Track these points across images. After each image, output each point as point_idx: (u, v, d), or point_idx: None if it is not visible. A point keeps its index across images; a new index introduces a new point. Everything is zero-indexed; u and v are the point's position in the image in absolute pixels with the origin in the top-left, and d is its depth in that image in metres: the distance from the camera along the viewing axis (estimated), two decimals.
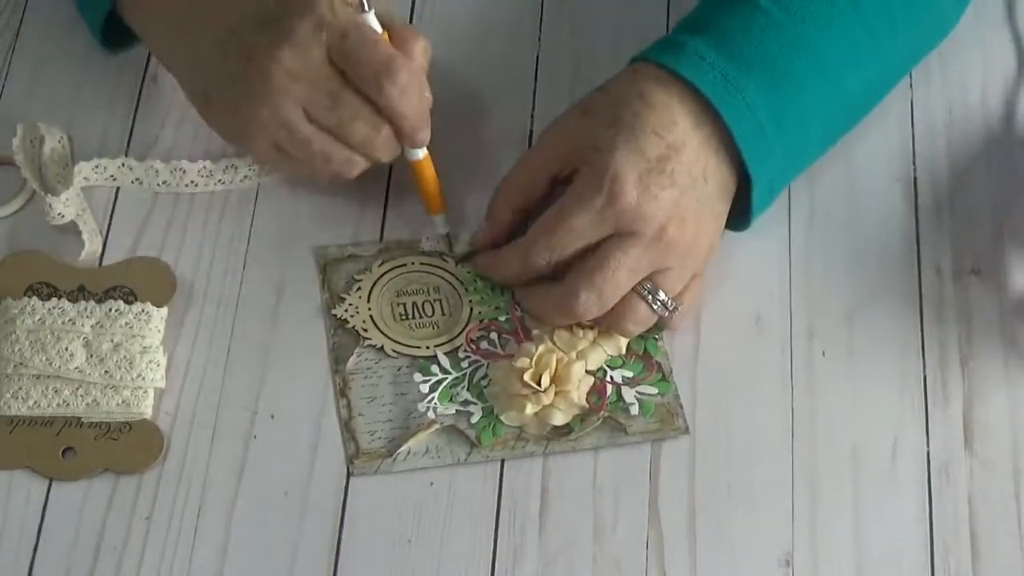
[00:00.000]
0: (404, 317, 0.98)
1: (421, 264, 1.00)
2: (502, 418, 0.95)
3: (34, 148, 1.02)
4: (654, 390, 0.96)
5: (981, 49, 1.10)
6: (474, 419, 0.95)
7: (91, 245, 0.99)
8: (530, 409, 0.94)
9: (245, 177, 1.03)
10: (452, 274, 1.00)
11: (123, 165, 1.02)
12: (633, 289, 0.95)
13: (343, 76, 0.94)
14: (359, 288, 0.99)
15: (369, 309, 0.98)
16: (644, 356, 0.97)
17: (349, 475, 0.93)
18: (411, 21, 1.10)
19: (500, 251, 0.98)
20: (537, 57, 1.09)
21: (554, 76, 1.08)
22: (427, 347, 0.97)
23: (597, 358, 0.96)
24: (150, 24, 1.01)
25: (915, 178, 1.05)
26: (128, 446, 0.93)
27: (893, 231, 1.03)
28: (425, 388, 0.96)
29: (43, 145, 1.01)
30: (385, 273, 1.00)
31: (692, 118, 0.95)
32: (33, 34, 1.09)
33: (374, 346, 0.97)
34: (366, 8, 0.94)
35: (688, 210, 0.94)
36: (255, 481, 0.93)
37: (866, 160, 1.05)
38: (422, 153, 0.98)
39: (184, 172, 1.02)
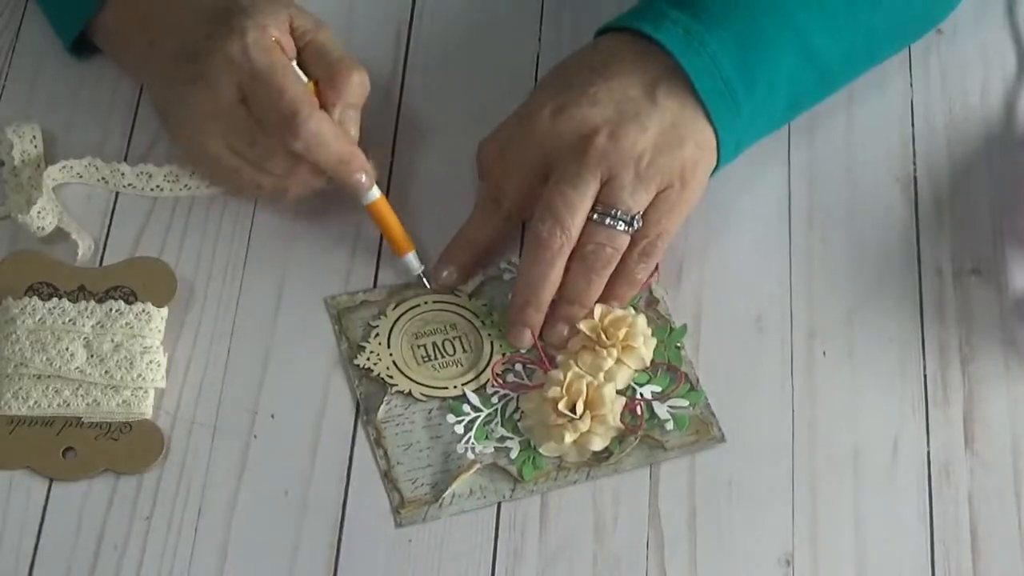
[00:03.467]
0: (427, 359, 0.97)
1: (434, 302, 0.99)
2: (541, 450, 0.94)
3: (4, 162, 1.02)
4: (685, 402, 0.95)
5: (981, 49, 1.10)
6: (513, 454, 0.94)
7: (83, 243, 0.99)
8: (568, 438, 0.93)
9: (212, 183, 1.03)
10: (467, 309, 0.99)
11: (89, 164, 1.02)
12: (588, 220, 0.95)
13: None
14: (377, 334, 0.97)
15: (391, 355, 0.97)
16: (670, 368, 0.96)
17: (397, 525, 0.92)
18: (410, 22, 1.10)
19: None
20: (537, 57, 1.09)
21: None
22: (455, 386, 0.96)
23: (624, 376, 0.95)
24: (121, 49, 1.03)
25: (915, 178, 1.05)
26: (128, 446, 0.93)
27: (893, 231, 1.03)
28: (460, 428, 0.95)
29: (12, 151, 1.01)
30: (401, 316, 0.98)
31: (652, 74, 0.96)
32: (33, 34, 1.09)
33: (402, 392, 0.96)
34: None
35: (623, 122, 0.94)
36: (255, 481, 0.93)
37: (866, 160, 1.05)
38: (373, 195, 0.98)
39: (150, 176, 1.02)
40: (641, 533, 0.92)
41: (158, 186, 1.02)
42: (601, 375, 0.95)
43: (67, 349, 0.94)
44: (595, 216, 0.95)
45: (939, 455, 0.95)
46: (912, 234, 1.02)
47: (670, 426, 0.94)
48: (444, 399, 0.96)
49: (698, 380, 0.96)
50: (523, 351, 0.97)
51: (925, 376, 0.98)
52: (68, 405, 0.94)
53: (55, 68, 1.07)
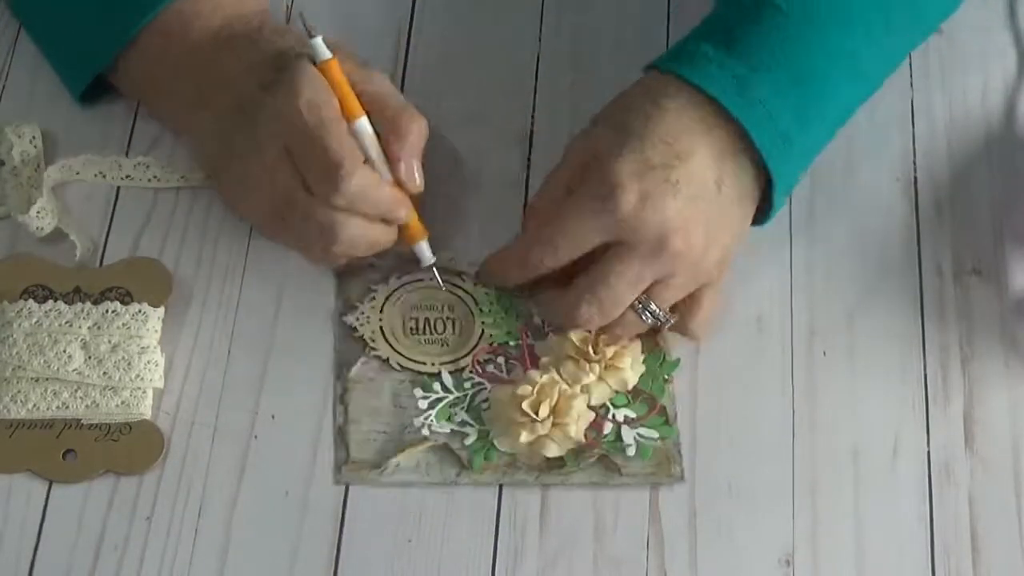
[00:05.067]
0: (415, 332, 0.97)
1: (440, 281, 0.99)
2: (496, 443, 0.94)
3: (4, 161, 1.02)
4: (655, 434, 0.94)
5: (981, 49, 1.10)
6: (468, 441, 0.94)
7: (82, 243, 0.99)
8: (524, 437, 0.93)
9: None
10: (469, 294, 0.99)
11: (86, 161, 1.02)
12: None
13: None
14: (373, 298, 0.98)
15: (380, 320, 0.97)
16: (650, 398, 0.96)
17: (336, 482, 0.92)
18: (411, 23, 1.10)
19: (504, 250, 0.98)
20: (537, 57, 1.09)
21: (554, 76, 1.08)
22: (433, 364, 0.96)
23: (601, 394, 0.95)
24: (153, 98, 1.02)
25: (915, 178, 1.05)
26: (128, 447, 0.93)
27: (893, 231, 1.03)
28: (424, 404, 0.95)
29: (12, 151, 1.01)
30: (403, 286, 0.99)
31: (705, 124, 0.94)
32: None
33: (380, 357, 0.96)
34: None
35: (695, 221, 0.92)
36: (255, 481, 0.93)
37: (866, 160, 1.05)
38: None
39: (148, 167, 1.02)
40: (641, 533, 0.92)
41: (155, 176, 1.02)
42: (578, 387, 0.94)
43: (64, 351, 0.94)
44: (636, 306, 0.95)
45: (939, 455, 0.95)
46: (912, 234, 1.02)
47: (632, 452, 0.94)
48: (419, 373, 0.96)
49: (676, 417, 0.95)
50: (511, 344, 0.97)
51: (925, 376, 0.98)
52: (67, 407, 0.94)
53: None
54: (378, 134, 0.94)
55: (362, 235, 0.95)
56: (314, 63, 0.94)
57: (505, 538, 0.92)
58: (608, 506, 0.93)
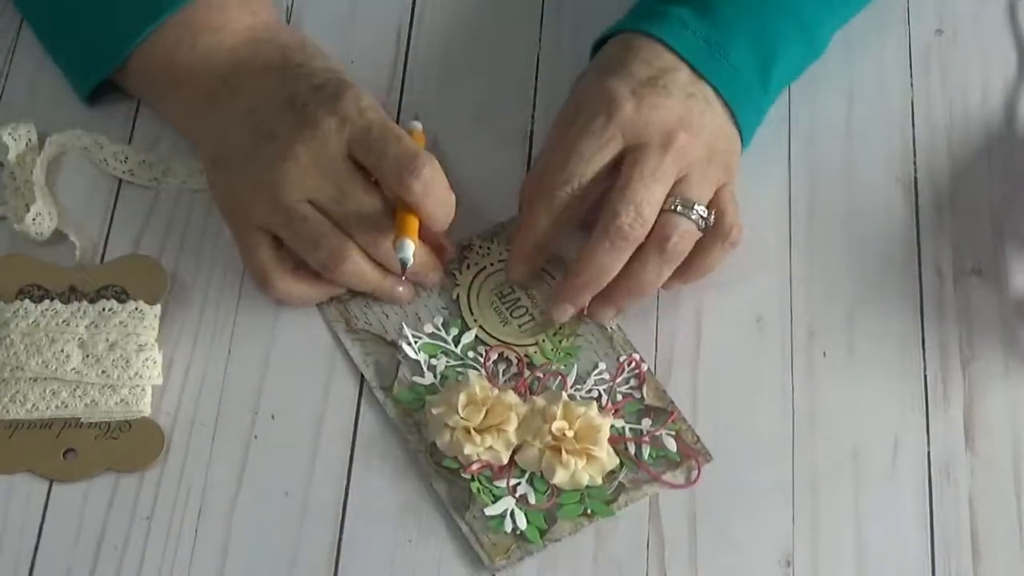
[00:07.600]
0: (500, 297, 0.99)
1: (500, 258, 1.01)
2: (432, 407, 0.94)
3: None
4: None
5: (982, 49, 1.10)
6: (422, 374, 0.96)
7: (82, 245, 0.99)
8: (447, 436, 0.93)
9: (183, 182, 1.03)
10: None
11: (56, 141, 1.02)
12: (665, 210, 0.95)
13: (359, 172, 0.95)
14: (468, 266, 1.00)
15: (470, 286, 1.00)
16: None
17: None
18: (411, 22, 1.10)
19: (522, 215, 0.99)
20: (537, 57, 1.09)
21: (554, 76, 1.08)
22: (475, 322, 0.98)
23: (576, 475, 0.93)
24: (165, 95, 1.02)
25: (915, 178, 1.05)
26: (129, 444, 0.93)
27: (893, 231, 1.03)
28: (429, 328, 0.97)
29: (8, 154, 1.01)
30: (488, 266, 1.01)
31: (692, 73, 0.98)
32: (33, 35, 1.09)
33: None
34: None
35: (693, 120, 0.96)
36: (255, 481, 0.93)
37: (866, 160, 1.05)
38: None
39: (102, 147, 1.02)
40: (641, 533, 0.92)
41: (131, 171, 1.02)
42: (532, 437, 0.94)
43: (62, 351, 0.94)
44: (678, 208, 0.95)
45: (939, 455, 0.95)
46: (912, 234, 1.02)
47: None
48: (460, 318, 0.98)
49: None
50: (538, 366, 0.97)
51: (925, 376, 0.97)
52: (66, 406, 0.94)
53: (55, 68, 1.07)
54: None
55: (363, 271, 0.96)
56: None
57: None
58: None
